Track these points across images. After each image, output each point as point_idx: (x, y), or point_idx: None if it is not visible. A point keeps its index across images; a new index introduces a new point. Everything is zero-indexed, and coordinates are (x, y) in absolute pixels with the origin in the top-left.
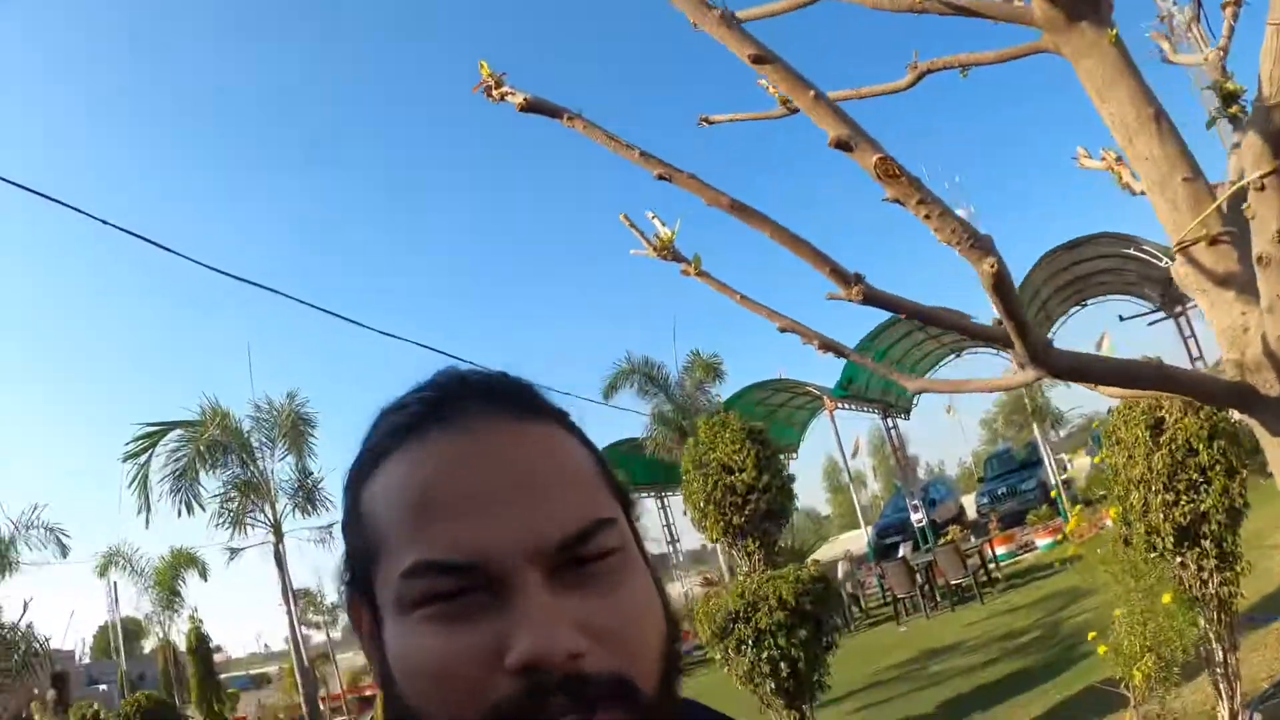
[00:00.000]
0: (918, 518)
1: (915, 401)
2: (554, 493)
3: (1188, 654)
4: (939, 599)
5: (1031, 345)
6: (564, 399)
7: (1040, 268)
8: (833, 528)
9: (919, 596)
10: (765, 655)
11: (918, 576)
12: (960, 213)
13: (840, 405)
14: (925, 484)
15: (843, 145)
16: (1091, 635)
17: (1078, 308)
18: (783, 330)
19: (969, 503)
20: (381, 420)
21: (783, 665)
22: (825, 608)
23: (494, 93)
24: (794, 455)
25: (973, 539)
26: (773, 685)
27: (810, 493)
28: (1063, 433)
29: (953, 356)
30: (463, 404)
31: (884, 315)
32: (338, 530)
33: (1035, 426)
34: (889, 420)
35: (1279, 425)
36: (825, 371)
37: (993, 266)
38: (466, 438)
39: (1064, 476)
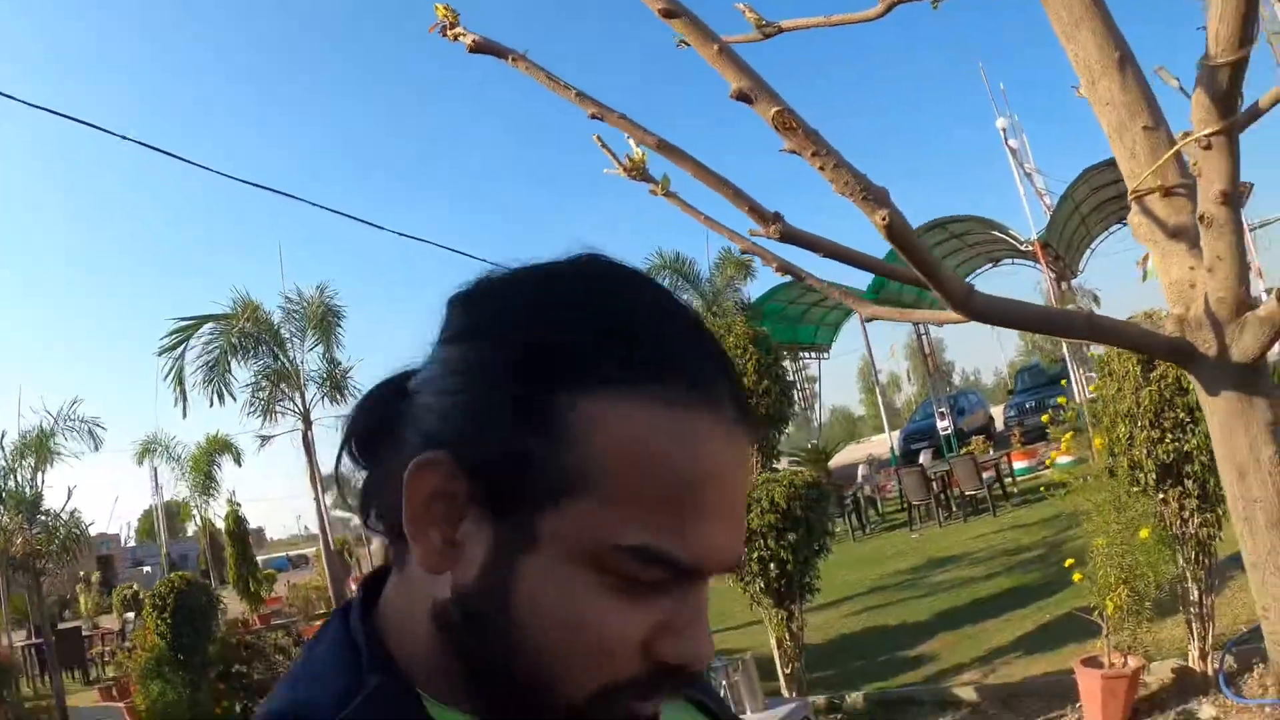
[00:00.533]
0: (944, 425)
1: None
2: (745, 509)
3: (1160, 590)
4: (954, 508)
5: (948, 291)
6: None
7: (1081, 183)
8: (867, 428)
9: (934, 505)
10: (755, 555)
11: (934, 485)
12: (1001, 122)
13: None
14: (955, 393)
15: (744, 97)
16: (1068, 562)
17: (1119, 225)
18: (744, 252)
19: (998, 414)
20: (637, 324)
21: (772, 566)
22: (817, 513)
23: (449, 32)
24: (825, 355)
25: (992, 451)
26: (762, 584)
27: (846, 393)
28: (1101, 349)
29: (989, 265)
30: (723, 387)
31: (918, 215)
32: None
33: (1064, 342)
34: (921, 325)
35: (1215, 384)
36: (861, 273)
37: (884, 219)
38: (727, 436)
39: (1091, 395)
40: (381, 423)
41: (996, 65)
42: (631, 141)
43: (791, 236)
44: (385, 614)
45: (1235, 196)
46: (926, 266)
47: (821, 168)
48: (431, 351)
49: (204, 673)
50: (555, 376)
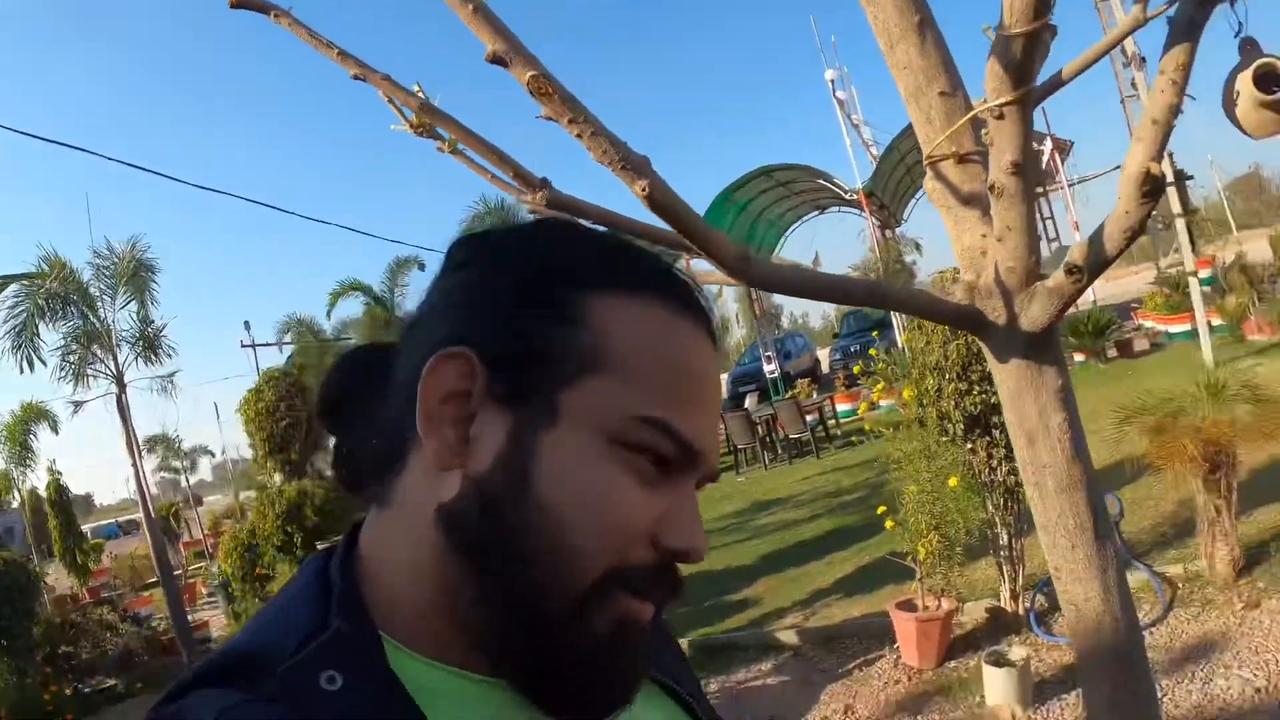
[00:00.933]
0: (770, 369)
1: (779, 251)
2: None
3: (971, 535)
4: (779, 451)
5: (721, 258)
6: (397, 247)
7: (906, 135)
8: None
9: (759, 448)
10: None
11: (759, 428)
12: (830, 73)
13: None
14: (783, 335)
15: (499, 60)
16: (881, 509)
17: None
18: (531, 212)
19: (824, 357)
20: (633, 250)
21: None
22: None
23: None
24: None
25: (816, 394)
26: None
27: None
28: None
29: (815, 213)
30: (704, 306)
31: (751, 166)
32: (180, 380)
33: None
34: None
35: (1005, 352)
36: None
37: (644, 189)
38: (709, 345)
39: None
40: (352, 381)
41: (829, 18)
42: (422, 95)
43: (557, 203)
44: (365, 554)
45: (1026, 167)
46: (696, 234)
47: (579, 135)
48: (428, 291)
49: (30, 657)
50: (570, 279)
